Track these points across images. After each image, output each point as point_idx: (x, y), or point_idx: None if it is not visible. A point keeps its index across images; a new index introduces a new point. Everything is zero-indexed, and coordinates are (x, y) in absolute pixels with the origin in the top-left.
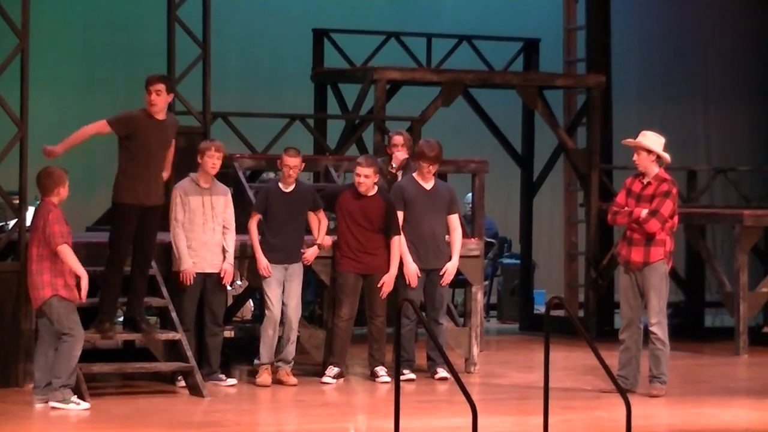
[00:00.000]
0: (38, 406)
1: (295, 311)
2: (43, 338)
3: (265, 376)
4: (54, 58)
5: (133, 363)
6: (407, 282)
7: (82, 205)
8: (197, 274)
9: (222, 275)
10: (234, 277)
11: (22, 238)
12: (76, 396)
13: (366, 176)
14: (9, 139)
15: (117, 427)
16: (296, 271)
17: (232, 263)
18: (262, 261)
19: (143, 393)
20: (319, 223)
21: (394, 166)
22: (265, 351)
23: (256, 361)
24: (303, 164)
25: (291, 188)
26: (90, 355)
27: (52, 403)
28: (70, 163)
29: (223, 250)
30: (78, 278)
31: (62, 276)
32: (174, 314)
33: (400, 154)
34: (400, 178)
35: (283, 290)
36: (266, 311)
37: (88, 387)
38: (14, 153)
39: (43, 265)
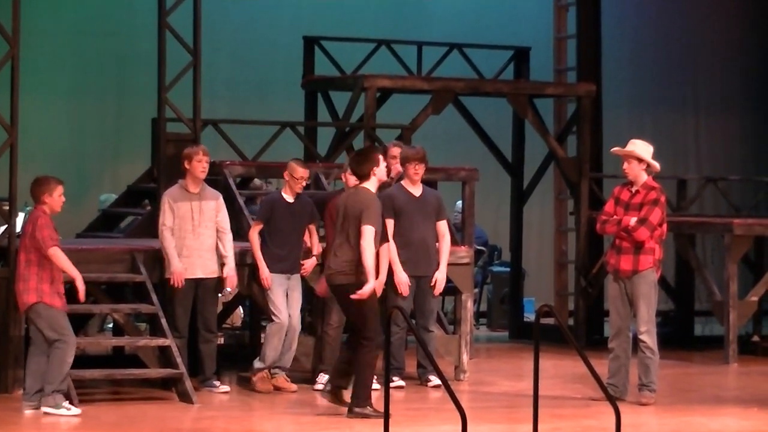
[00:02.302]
0: (27, 412)
1: (297, 320)
2: (36, 345)
3: (265, 383)
4: (45, 64)
5: (122, 369)
6: (399, 291)
7: (73, 211)
8: (189, 280)
9: (224, 281)
10: (221, 283)
11: (12, 245)
12: (68, 402)
13: None
14: None
15: None
16: (297, 281)
17: (234, 267)
18: (264, 272)
19: (133, 399)
20: (311, 235)
21: (393, 177)
22: (270, 357)
23: (257, 364)
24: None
25: (293, 198)
26: (79, 361)
27: (44, 409)
28: (61, 170)
29: (220, 256)
30: (70, 284)
31: (49, 283)
32: (164, 321)
33: (399, 167)
34: None
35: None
36: (274, 318)
37: (77, 393)
38: (4, 159)
39: (31, 271)
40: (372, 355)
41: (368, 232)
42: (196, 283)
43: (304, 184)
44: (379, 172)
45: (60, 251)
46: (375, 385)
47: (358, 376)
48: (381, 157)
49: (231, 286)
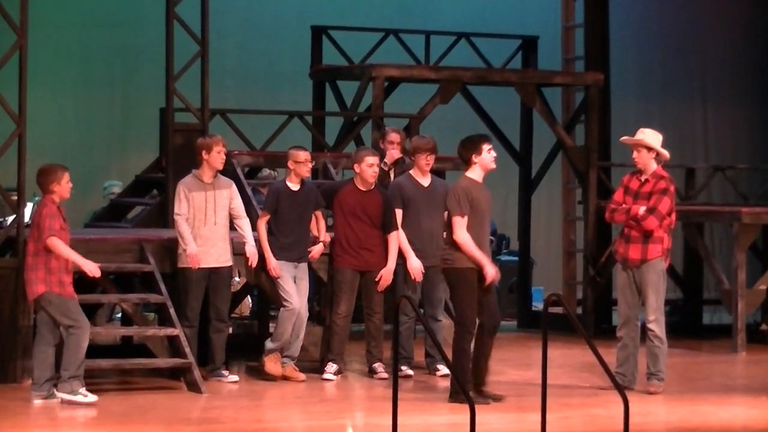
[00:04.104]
0: (36, 402)
1: (305, 309)
2: (42, 335)
3: (274, 366)
4: (52, 55)
5: (131, 359)
6: (413, 277)
7: (82, 201)
8: (202, 269)
9: (248, 257)
10: (232, 273)
11: (20, 235)
12: (84, 388)
13: (378, 165)
14: (7, 135)
15: (115, 424)
16: (305, 269)
17: (254, 245)
18: (272, 261)
19: (141, 389)
20: (318, 221)
21: (387, 162)
22: (281, 341)
23: (270, 345)
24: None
25: (298, 187)
26: (88, 351)
27: (60, 395)
28: (69, 160)
29: (237, 242)
30: (79, 274)
31: (57, 273)
32: (172, 310)
33: (395, 152)
34: (392, 177)
35: None
36: (286, 304)
37: (86, 383)
38: (13, 150)
39: (38, 261)
40: (463, 340)
41: (456, 224)
42: (209, 272)
43: (309, 167)
44: (482, 160)
45: (58, 240)
46: (383, 374)
47: (453, 362)
48: (485, 146)
49: (253, 264)
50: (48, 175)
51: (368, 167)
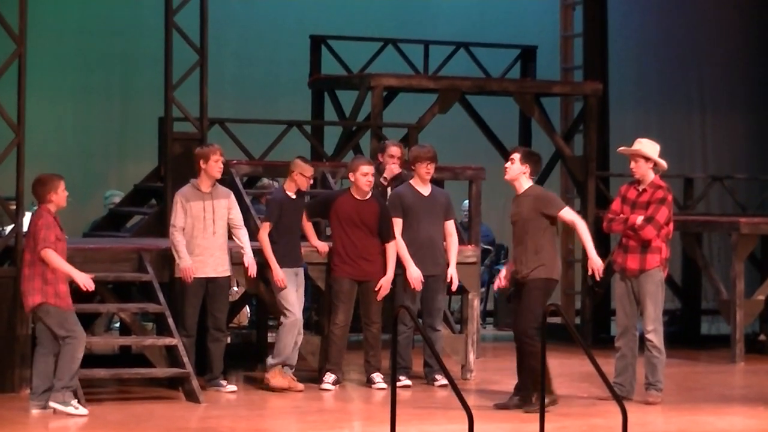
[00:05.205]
0: (34, 411)
1: (301, 316)
2: (42, 344)
3: (279, 379)
4: (51, 63)
5: (129, 369)
6: (412, 286)
7: (80, 210)
8: (200, 279)
9: (246, 267)
10: (230, 283)
11: (19, 244)
12: (76, 400)
13: (372, 174)
14: (6, 144)
15: None
16: (302, 276)
17: (252, 256)
18: (279, 273)
19: (139, 399)
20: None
21: (386, 177)
22: (283, 354)
23: (271, 361)
24: None
25: (295, 195)
26: (86, 360)
27: (51, 404)
28: (67, 169)
29: (237, 250)
30: (73, 283)
31: (53, 284)
32: (170, 320)
33: (395, 167)
34: (389, 191)
35: None
36: (288, 314)
37: (84, 393)
38: (11, 158)
39: (35, 271)
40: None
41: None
42: (207, 282)
43: (311, 182)
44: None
45: (52, 252)
46: (381, 384)
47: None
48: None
49: (252, 273)
50: (45, 185)
51: (363, 176)
